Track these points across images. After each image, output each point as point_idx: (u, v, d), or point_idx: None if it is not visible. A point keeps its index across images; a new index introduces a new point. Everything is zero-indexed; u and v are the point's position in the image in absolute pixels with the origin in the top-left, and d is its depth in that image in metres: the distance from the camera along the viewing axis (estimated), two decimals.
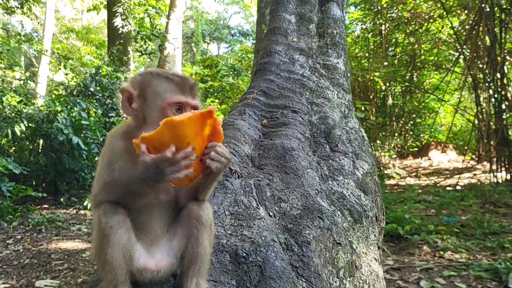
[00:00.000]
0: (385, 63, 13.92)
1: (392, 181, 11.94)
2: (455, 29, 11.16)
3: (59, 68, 13.44)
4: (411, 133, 14.84)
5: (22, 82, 11.33)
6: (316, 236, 1.93)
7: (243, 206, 1.92)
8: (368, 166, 2.64)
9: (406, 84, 14.10)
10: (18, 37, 18.06)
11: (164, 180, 1.27)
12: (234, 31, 27.72)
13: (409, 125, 14.52)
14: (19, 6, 16.32)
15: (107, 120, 10.01)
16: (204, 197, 1.52)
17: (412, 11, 13.11)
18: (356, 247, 2.15)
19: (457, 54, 11.29)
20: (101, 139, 8.87)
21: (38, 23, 22.97)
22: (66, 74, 12.61)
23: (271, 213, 1.96)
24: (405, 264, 4.99)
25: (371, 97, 14.39)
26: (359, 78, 14.25)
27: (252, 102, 2.82)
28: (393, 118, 13.99)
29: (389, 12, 13.76)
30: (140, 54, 15.37)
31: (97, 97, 10.53)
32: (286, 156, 2.33)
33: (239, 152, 2.29)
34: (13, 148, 9.39)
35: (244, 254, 1.67)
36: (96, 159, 8.54)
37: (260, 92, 2.91)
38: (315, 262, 1.82)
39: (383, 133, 13.63)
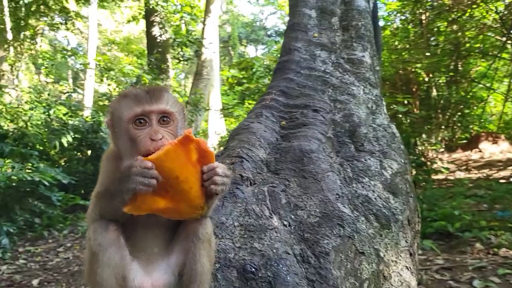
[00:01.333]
0: (427, 54, 13.35)
1: (440, 176, 11.44)
2: (501, 13, 10.51)
3: (101, 80, 13.89)
4: (459, 124, 14.13)
5: (67, 95, 11.79)
6: (336, 245, 1.77)
7: (255, 215, 1.79)
8: (397, 166, 2.44)
9: (451, 74, 13.45)
10: (64, 52, 18.86)
11: (127, 187, 1.19)
12: (270, 32, 27.62)
13: (457, 116, 13.84)
14: (63, 22, 17.00)
15: None
16: (209, 212, 1.41)
17: None
18: (384, 255, 1.97)
19: (504, 39, 10.64)
20: None
21: (83, 37, 23.86)
22: (109, 85, 13.00)
23: (285, 222, 1.82)
24: (457, 263, 4.73)
25: (414, 89, 13.87)
26: (400, 71, 13.76)
27: (271, 103, 2.68)
28: (439, 110, 13.39)
29: (429, 0, 13.20)
30: (177, 61, 15.57)
31: None
32: (304, 159, 2.18)
33: (252, 157, 2.16)
34: (63, 159, 9.76)
35: (253, 269, 1.55)
36: None
37: (278, 92, 2.77)
38: (334, 274, 1.66)
39: (428, 126, 13.07)
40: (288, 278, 1.54)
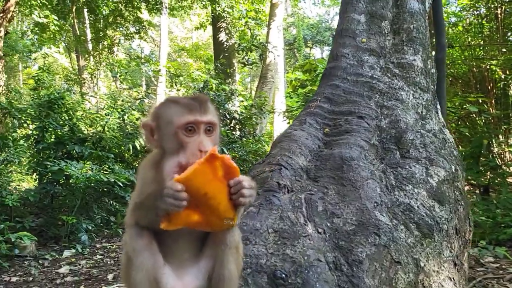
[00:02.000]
0: (503, 50, 12.53)
1: None
2: None
3: (172, 86, 14.53)
4: None
5: (139, 101, 12.47)
6: (370, 254, 1.78)
7: (289, 222, 1.84)
8: (445, 173, 2.37)
9: None
10: (138, 59, 19.96)
11: (160, 207, 1.30)
12: None
13: None
14: (137, 31, 18.00)
15: None
16: (237, 221, 1.49)
17: None
18: (425, 265, 1.94)
19: None
20: None
21: (155, 45, 25.08)
22: (178, 90, 13.57)
23: (320, 230, 1.86)
24: None
25: (489, 88, 13.06)
26: (474, 68, 13.02)
27: (315, 110, 2.71)
28: None
29: None
30: (243, 65, 15.89)
31: None
32: (343, 166, 2.19)
33: (292, 165, 2.21)
34: (136, 161, 10.33)
35: (283, 275, 1.60)
36: None
37: (324, 99, 2.79)
38: (367, 283, 1.68)
39: (506, 127, 12.25)
40: (318, 285, 1.58)
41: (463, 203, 2.43)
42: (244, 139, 11.27)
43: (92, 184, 6.39)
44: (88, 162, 7.00)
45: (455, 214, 2.29)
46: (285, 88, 18.44)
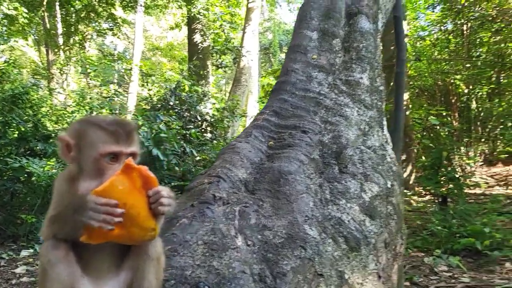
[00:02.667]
0: (468, 65, 12.98)
1: (478, 191, 11.07)
2: None
3: (142, 85, 14.42)
4: (500, 138, 13.62)
5: (109, 99, 12.33)
6: (295, 266, 1.87)
7: (220, 235, 1.92)
8: (378, 188, 2.50)
9: (493, 86, 13.00)
10: (110, 56, 19.72)
11: (82, 219, 1.33)
12: None
13: (498, 129, 13.34)
14: (110, 28, 17.78)
15: (186, 132, 10.49)
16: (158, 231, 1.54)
17: (497, 8, 12.09)
18: (349, 277, 2.05)
19: None
20: (179, 150, 9.33)
21: (129, 42, 24.81)
22: (149, 89, 13.48)
23: (249, 242, 1.94)
24: (483, 282, 4.64)
25: (453, 101, 13.50)
26: (439, 82, 13.44)
27: (262, 123, 2.80)
28: (478, 123, 12.98)
29: (471, 10, 12.83)
30: (216, 68, 15.92)
31: (176, 110, 11.08)
32: (281, 180, 2.29)
33: (231, 177, 2.29)
34: None
35: (206, 287, 1.67)
36: (176, 169, 9.01)
37: (271, 113, 2.88)
38: None
39: (467, 139, 12.68)
40: None
41: (395, 218, 2.56)
42: (215, 141, 11.29)
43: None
44: (52, 160, 6.89)
45: (386, 228, 2.41)
46: (259, 92, 18.54)
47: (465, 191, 9.88)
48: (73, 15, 16.80)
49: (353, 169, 2.55)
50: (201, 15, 15.27)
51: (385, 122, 3.35)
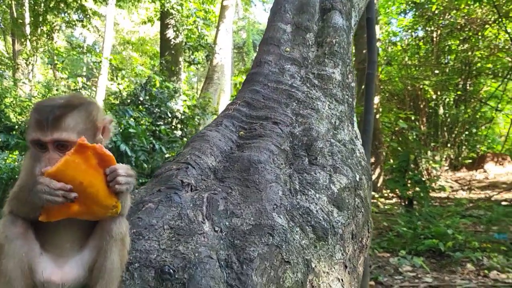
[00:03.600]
0: (436, 71, 13.35)
1: (442, 194, 11.39)
2: None
3: (112, 79, 14.14)
4: (465, 144, 14.06)
5: (76, 91, 12.02)
6: (262, 253, 1.86)
7: (187, 220, 1.89)
8: (347, 180, 2.51)
9: (459, 93, 13.41)
10: (79, 49, 19.24)
11: (40, 202, 1.29)
12: None
13: (463, 135, 13.78)
14: (80, 19, 17.36)
15: (155, 128, 10.34)
16: (123, 211, 1.50)
17: (466, 17, 12.48)
18: (316, 266, 2.05)
19: None
20: (148, 147, 9.18)
21: (99, 35, 24.32)
22: (118, 84, 13.23)
23: (217, 228, 1.91)
24: (445, 282, 4.77)
25: (422, 106, 13.83)
26: (409, 87, 13.74)
27: (233, 113, 2.78)
28: (445, 128, 13.36)
29: (441, 18, 13.20)
30: (188, 64, 15.79)
31: (146, 106, 10.90)
32: (250, 169, 2.27)
33: (200, 164, 2.26)
34: None
35: (171, 271, 1.64)
36: (144, 166, 8.88)
37: (243, 103, 2.87)
38: (254, 280, 1.75)
39: (433, 144, 13.03)
40: (203, 281, 1.63)
41: (363, 210, 2.58)
42: (185, 139, 11.20)
43: (17, 176, 6.13)
44: (14, 152, 6.68)
45: (353, 220, 2.43)
46: (232, 91, 18.51)
47: (430, 194, 10.16)
48: (42, 4, 16.29)
49: (322, 161, 2.56)
50: (174, 11, 15.10)
51: (355, 118, 3.39)
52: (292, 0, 3.50)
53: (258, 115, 2.78)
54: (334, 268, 2.12)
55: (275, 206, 2.11)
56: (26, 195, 1.32)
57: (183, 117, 11.40)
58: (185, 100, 13.66)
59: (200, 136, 2.54)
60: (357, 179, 2.66)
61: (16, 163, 6.15)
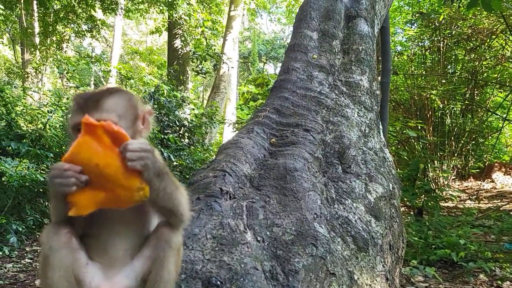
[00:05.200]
0: (443, 81, 13.32)
1: (450, 204, 11.31)
2: None
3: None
4: (472, 153, 13.98)
5: None
6: (307, 264, 1.79)
7: (229, 229, 1.82)
8: (382, 190, 2.45)
9: (467, 102, 13.37)
10: (88, 58, 19.29)
11: (56, 189, 1.23)
12: None
13: (470, 145, 13.71)
14: (89, 30, 17.44)
15: (163, 137, 10.30)
16: (183, 218, 1.40)
17: (473, 27, 12.48)
18: (358, 278, 1.98)
19: None
20: None
21: (107, 45, 24.44)
22: None
23: (259, 238, 1.85)
24: None
25: (428, 115, 13.79)
26: (416, 96, 13.70)
27: (263, 120, 2.74)
28: (452, 138, 13.29)
29: (448, 28, 13.21)
30: (196, 73, 15.81)
31: (155, 114, 10.85)
32: (287, 177, 2.21)
33: (236, 172, 2.21)
34: None
35: (218, 283, 1.58)
36: None
37: (272, 110, 2.82)
38: None
39: (441, 153, 12.96)
40: None
41: (397, 220, 2.52)
42: (192, 147, 11.16)
43: (27, 184, 6.06)
44: (24, 160, 6.64)
45: (390, 230, 2.37)
46: (237, 100, 18.55)
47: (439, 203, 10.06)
48: (52, 14, 16.38)
49: (356, 169, 2.50)
50: (182, 21, 15.17)
51: (381, 126, 3.34)
52: (317, 7, 3.47)
53: (289, 122, 2.73)
54: (376, 280, 2.06)
55: (315, 216, 2.05)
56: (49, 190, 1.27)
57: (190, 125, 11.38)
58: (193, 109, 13.63)
59: (233, 143, 2.48)
60: (391, 188, 2.60)
61: (26, 170, 6.11)
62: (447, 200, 11.05)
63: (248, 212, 1.95)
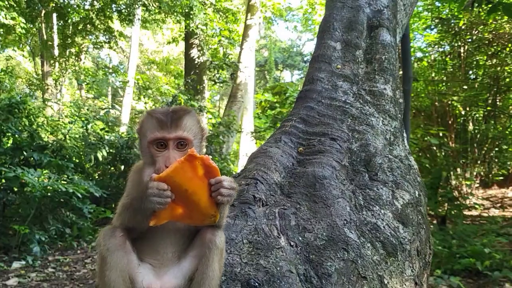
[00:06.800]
0: (465, 87, 13.18)
1: (474, 212, 11.15)
2: None
3: (139, 98, 14.39)
4: (496, 160, 13.77)
5: (105, 111, 12.25)
6: (339, 268, 1.86)
7: (263, 234, 1.91)
8: (410, 197, 2.50)
9: (489, 108, 13.20)
10: (106, 69, 19.67)
11: (151, 206, 1.36)
12: (307, 58, 28.01)
13: (494, 152, 13.50)
14: (107, 41, 17.79)
15: None
16: (220, 222, 1.55)
17: (493, 32, 12.37)
18: (388, 282, 2.04)
19: None
20: None
21: (124, 56, 24.87)
22: (145, 103, 13.43)
23: (292, 243, 1.93)
24: None
25: (450, 122, 13.65)
26: (436, 103, 13.60)
27: (290, 129, 2.82)
28: (475, 145, 13.11)
29: (468, 34, 13.10)
30: (213, 83, 16.01)
31: None
32: (316, 184, 2.29)
33: (267, 180, 2.29)
34: (97, 172, 10.08)
35: (256, 284, 1.65)
36: None
37: (299, 120, 2.90)
38: None
39: (463, 161, 12.79)
40: None
41: (424, 227, 2.56)
42: (210, 156, 11.25)
43: (49, 194, 6.17)
44: (46, 171, 6.77)
45: (417, 236, 2.41)
46: (254, 108, 18.62)
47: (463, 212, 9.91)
48: (70, 27, 16.78)
49: (383, 177, 2.56)
50: (199, 30, 15.37)
51: (405, 134, 3.39)
52: (340, 18, 3.55)
53: (315, 131, 2.81)
54: (405, 284, 2.11)
55: (345, 222, 2.11)
56: (139, 204, 1.39)
57: (208, 135, 11.49)
58: (210, 118, 13.79)
59: (262, 152, 2.57)
60: (417, 195, 2.65)
61: (48, 181, 6.22)
62: (470, 209, 10.90)
63: (280, 218, 2.03)
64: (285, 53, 28.42)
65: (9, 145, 6.62)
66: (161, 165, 1.46)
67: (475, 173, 12.76)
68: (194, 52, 15.84)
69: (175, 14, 15.06)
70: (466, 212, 10.88)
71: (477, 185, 13.06)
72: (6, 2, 13.36)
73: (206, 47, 16.18)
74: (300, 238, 1.98)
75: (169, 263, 1.51)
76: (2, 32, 15.33)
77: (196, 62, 15.80)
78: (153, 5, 14.88)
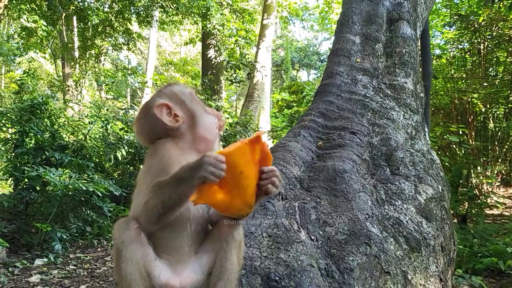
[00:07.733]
0: (485, 84, 12.93)
1: (495, 211, 10.92)
2: None
3: None
4: None
5: (124, 111, 12.37)
6: (361, 263, 1.81)
7: (283, 228, 1.87)
8: (433, 191, 2.44)
9: (510, 106, 12.91)
10: (125, 70, 19.89)
11: (203, 174, 1.28)
12: (323, 57, 27.81)
13: None
14: (126, 43, 17.99)
15: None
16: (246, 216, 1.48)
17: None
18: (412, 278, 1.98)
19: None
20: None
21: (143, 57, 25.11)
22: None
23: (313, 237, 1.89)
24: None
25: (470, 120, 13.40)
26: (456, 100, 13.37)
27: (309, 124, 2.77)
28: (495, 143, 12.83)
29: (488, 30, 12.84)
30: (230, 82, 16.01)
31: None
32: (336, 178, 2.24)
33: (286, 174, 2.26)
34: (116, 171, 10.18)
35: (277, 278, 1.62)
36: None
37: (318, 114, 2.86)
38: None
39: (484, 159, 12.54)
40: None
41: (448, 222, 2.49)
42: None
43: (70, 193, 6.24)
44: (67, 170, 6.86)
45: (441, 232, 2.35)
46: (271, 108, 18.58)
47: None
48: (90, 29, 17.02)
49: (405, 171, 2.50)
50: (216, 31, 15.42)
51: (427, 129, 3.31)
52: (359, 11, 3.49)
53: (334, 125, 2.76)
54: (430, 280, 2.05)
55: (367, 216, 2.06)
56: (189, 172, 1.30)
57: (225, 134, 11.50)
58: (227, 118, 13.79)
59: (281, 146, 2.54)
60: (440, 190, 2.58)
61: (69, 180, 6.29)
62: (492, 207, 10.68)
63: (300, 212, 1.99)
64: (302, 52, 28.28)
65: (31, 145, 6.73)
66: (218, 113, 1.56)
67: (496, 171, 12.49)
68: (211, 53, 15.90)
69: (192, 15, 15.13)
70: (487, 211, 10.66)
71: (498, 183, 12.79)
72: (28, 6, 13.61)
73: (223, 47, 16.22)
74: (320, 232, 1.94)
75: (186, 258, 1.45)
76: (24, 35, 15.64)
77: (213, 62, 15.86)
78: (170, 7, 14.99)
